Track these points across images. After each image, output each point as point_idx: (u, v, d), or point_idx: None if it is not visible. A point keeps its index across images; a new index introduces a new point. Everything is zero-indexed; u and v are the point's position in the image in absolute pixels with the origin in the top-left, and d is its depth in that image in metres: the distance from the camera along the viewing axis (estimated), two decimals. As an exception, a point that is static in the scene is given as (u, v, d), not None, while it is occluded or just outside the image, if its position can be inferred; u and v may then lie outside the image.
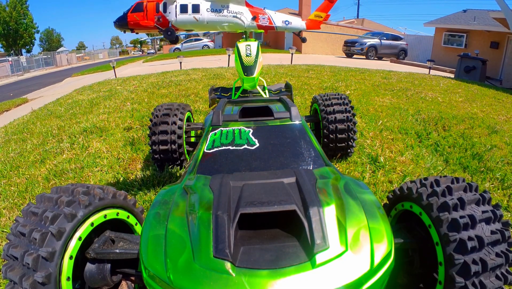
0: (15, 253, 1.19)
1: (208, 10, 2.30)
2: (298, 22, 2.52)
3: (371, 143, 3.70)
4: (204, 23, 2.32)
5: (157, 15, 2.29)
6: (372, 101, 5.70)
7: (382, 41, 17.34)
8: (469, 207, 1.27)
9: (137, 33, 2.72)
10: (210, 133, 2.00)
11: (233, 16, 2.34)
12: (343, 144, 2.99)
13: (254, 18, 2.39)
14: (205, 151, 1.84)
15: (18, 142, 4.50)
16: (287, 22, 2.49)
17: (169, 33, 2.55)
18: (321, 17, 2.58)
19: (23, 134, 4.91)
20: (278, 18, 2.49)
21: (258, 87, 3.53)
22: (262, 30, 2.62)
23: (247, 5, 2.38)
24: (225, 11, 2.32)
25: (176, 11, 2.29)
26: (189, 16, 2.28)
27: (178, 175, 2.87)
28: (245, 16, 2.35)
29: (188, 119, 3.19)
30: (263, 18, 2.41)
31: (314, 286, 0.96)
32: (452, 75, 11.32)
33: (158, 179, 2.83)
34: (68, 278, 1.23)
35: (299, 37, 2.63)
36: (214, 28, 2.42)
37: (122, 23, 2.39)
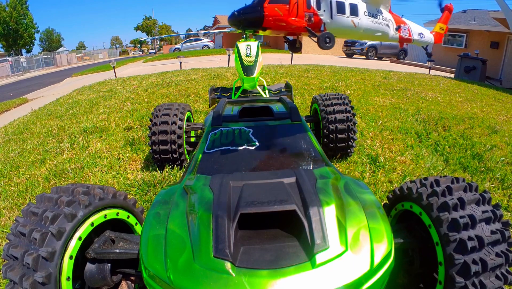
0: (15, 253, 1.19)
1: (365, 14, 1.85)
2: (429, 36, 2.17)
3: (371, 143, 3.70)
4: (360, 30, 1.86)
5: (309, 11, 1.71)
6: (372, 101, 5.70)
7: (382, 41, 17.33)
8: (469, 207, 1.27)
9: (258, 34, 1.97)
10: (210, 133, 2.00)
11: (386, 25, 1.94)
12: (343, 144, 2.99)
13: (398, 28, 2.02)
14: (205, 151, 1.84)
15: (18, 143, 4.50)
16: (421, 35, 2.15)
17: (328, 41, 1.90)
18: (443, 29, 2.36)
19: (23, 134, 4.91)
20: (416, 30, 2.12)
21: (258, 87, 3.53)
22: (398, 43, 2.20)
23: (390, 11, 2.00)
24: (380, 17, 1.92)
25: (331, 10, 1.76)
26: (347, 18, 1.80)
27: (178, 175, 2.87)
28: (392, 24, 1.98)
29: (188, 119, 3.19)
30: (404, 29, 2.04)
31: (314, 286, 0.96)
32: (452, 75, 11.32)
33: (158, 179, 2.83)
34: (68, 278, 1.23)
35: (426, 51, 2.29)
36: (366, 38, 2.01)
37: (253, 17, 1.70)
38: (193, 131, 3.16)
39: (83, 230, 1.30)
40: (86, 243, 1.37)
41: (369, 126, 4.28)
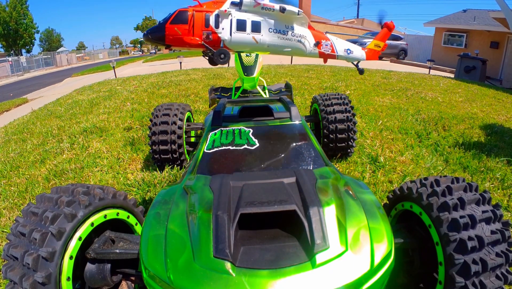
0: (15, 253, 1.19)
1: (270, 30, 1.84)
2: (359, 52, 2.17)
3: (371, 143, 3.70)
4: (264, 46, 1.86)
5: (207, 30, 1.78)
6: (372, 101, 5.70)
7: (382, 41, 17.31)
8: (469, 207, 1.27)
9: (172, 50, 2.18)
10: (210, 133, 2.00)
11: (298, 41, 1.92)
12: (343, 144, 2.99)
13: (317, 44, 2.00)
14: (205, 151, 1.84)
15: (18, 143, 4.50)
16: (348, 51, 2.14)
17: (222, 56, 1.93)
18: (380, 46, 2.28)
19: (23, 134, 4.91)
20: (341, 46, 2.11)
21: (258, 87, 3.53)
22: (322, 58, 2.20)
23: (310, 27, 2.00)
24: (290, 33, 1.89)
25: (231, 28, 1.79)
26: (248, 35, 1.81)
27: (178, 175, 2.87)
28: (308, 41, 1.96)
29: (188, 119, 3.19)
30: (325, 45, 2.03)
31: (314, 286, 0.96)
32: (452, 75, 11.32)
33: (158, 179, 2.83)
34: (68, 278, 1.23)
35: (357, 68, 2.20)
36: (274, 52, 1.93)
37: (157, 35, 1.81)
38: (193, 131, 3.16)
39: (83, 230, 1.30)
40: (86, 243, 1.37)
41: (369, 126, 4.28)
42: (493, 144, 3.74)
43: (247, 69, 3.42)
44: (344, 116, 2.91)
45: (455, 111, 5.26)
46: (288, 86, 4.04)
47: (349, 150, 3.07)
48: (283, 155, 1.82)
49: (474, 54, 12.10)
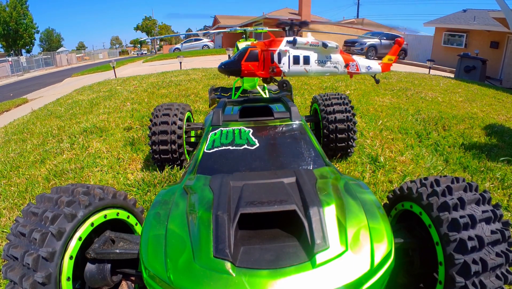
0: (15, 253, 1.19)
1: (316, 61, 2.34)
2: (376, 67, 2.61)
3: (371, 143, 3.70)
4: (311, 73, 2.38)
5: (272, 65, 2.26)
6: (372, 101, 5.70)
7: (382, 41, 17.33)
8: (469, 207, 1.27)
9: (242, 77, 2.66)
10: (210, 133, 2.00)
11: (334, 66, 2.40)
12: (343, 144, 2.98)
13: (346, 66, 2.47)
14: (205, 151, 1.84)
15: (18, 143, 4.50)
16: (369, 68, 2.58)
17: (285, 86, 2.53)
18: (392, 60, 2.71)
19: (23, 134, 4.91)
20: (363, 65, 2.56)
21: (258, 87, 3.53)
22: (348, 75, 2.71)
23: (340, 52, 2.46)
24: (328, 62, 2.39)
25: (289, 62, 2.29)
26: (301, 67, 2.31)
27: (178, 175, 2.87)
28: (340, 64, 2.43)
29: (188, 119, 3.19)
30: (352, 65, 2.49)
31: (314, 286, 0.96)
32: (452, 75, 11.32)
33: (158, 179, 2.83)
34: (68, 278, 1.23)
35: (374, 79, 2.70)
36: (315, 76, 2.55)
37: (233, 70, 2.29)
38: (193, 131, 3.16)
39: (83, 230, 1.30)
40: (86, 243, 1.37)
41: (369, 126, 4.28)
42: (493, 144, 3.74)
43: (247, 69, 3.41)
44: (344, 116, 2.91)
45: (455, 111, 5.26)
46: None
47: (349, 150, 3.07)
48: (283, 155, 1.82)
49: (474, 54, 12.10)
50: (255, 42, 3.28)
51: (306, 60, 2.32)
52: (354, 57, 2.57)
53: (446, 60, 15.16)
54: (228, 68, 2.29)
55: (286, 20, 2.45)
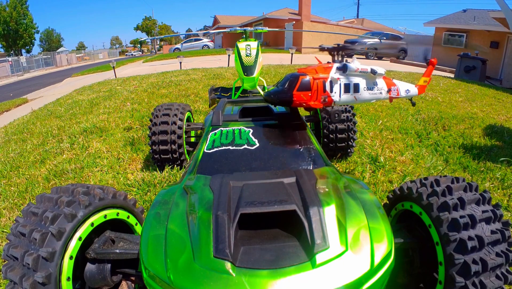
0: (15, 253, 1.19)
1: (365, 88, 2.26)
2: (414, 90, 2.60)
3: (371, 143, 3.70)
4: (361, 101, 2.30)
5: (324, 95, 2.12)
6: (372, 101, 5.69)
7: (382, 41, 17.34)
8: (469, 207, 1.27)
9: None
10: (210, 133, 2.00)
11: (380, 93, 2.34)
12: (343, 144, 2.99)
13: (389, 91, 2.40)
14: (205, 151, 1.84)
15: (18, 143, 4.50)
16: (407, 91, 2.54)
17: (336, 116, 2.60)
18: (426, 81, 2.68)
19: (23, 134, 4.91)
20: (403, 89, 2.54)
21: (258, 87, 3.53)
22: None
23: (384, 77, 2.42)
24: (375, 88, 2.32)
25: (340, 91, 2.17)
26: (351, 96, 2.19)
27: (178, 175, 2.87)
28: (384, 90, 2.37)
29: (188, 119, 3.19)
30: (394, 90, 2.43)
31: (314, 286, 0.96)
32: (452, 75, 11.32)
33: (158, 179, 2.83)
34: (68, 278, 1.23)
35: (411, 102, 2.72)
36: (362, 102, 2.43)
37: (285, 100, 2.09)
38: (193, 131, 3.16)
39: (83, 230, 1.30)
40: (86, 243, 1.37)
41: (369, 126, 4.28)
42: (493, 144, 3.74)
43: (247, 69, 3.41)
44: (344, 116, 2.91)
45: (455, 111, 5.26)
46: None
47: (349, 150, 3.07)
48: (283, 155, 1.82)
49: (474, 54, 12.10)
50: (255, 41, 3.27)
51: (356, 88, 2.22)
52: (395, 81, 2.51)
53: (446, 60, 15.17)
54: (278, 98, 2.11)
55: (334, 46, 2.39)
